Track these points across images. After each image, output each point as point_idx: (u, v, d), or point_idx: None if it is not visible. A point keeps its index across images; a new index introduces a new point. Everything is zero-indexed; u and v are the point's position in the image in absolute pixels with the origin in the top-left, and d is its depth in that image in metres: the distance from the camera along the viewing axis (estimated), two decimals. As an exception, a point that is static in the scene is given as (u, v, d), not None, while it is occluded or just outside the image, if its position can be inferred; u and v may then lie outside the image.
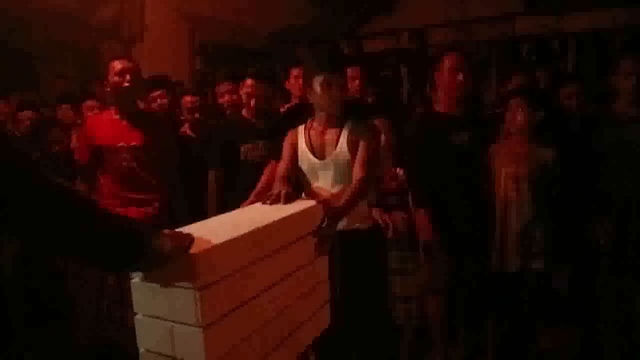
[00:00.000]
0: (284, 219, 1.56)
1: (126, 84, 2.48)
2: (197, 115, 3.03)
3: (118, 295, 2.58)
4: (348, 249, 2.17)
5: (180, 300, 1.23)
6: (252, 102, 2.72)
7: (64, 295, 3.46)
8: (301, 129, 2.28)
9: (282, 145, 2.29)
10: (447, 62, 2.53)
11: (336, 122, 2.20)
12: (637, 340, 2.34)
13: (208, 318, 1.23)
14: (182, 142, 3.04)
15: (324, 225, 1.74)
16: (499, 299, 2.55)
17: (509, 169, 2.47)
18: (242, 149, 2.75)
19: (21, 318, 3.57)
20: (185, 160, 2.86)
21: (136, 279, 1.30)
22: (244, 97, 2.75)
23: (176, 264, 1.21)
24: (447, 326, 2.65)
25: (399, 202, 2.65)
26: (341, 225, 2.18)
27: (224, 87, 3.11)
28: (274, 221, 1.51)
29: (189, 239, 1.25)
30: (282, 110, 3.13)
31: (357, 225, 2.23)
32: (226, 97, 3.06)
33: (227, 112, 3.08)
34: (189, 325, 1.23)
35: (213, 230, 1.38)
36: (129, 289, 1.32)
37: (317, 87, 2.15)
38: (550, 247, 2.43)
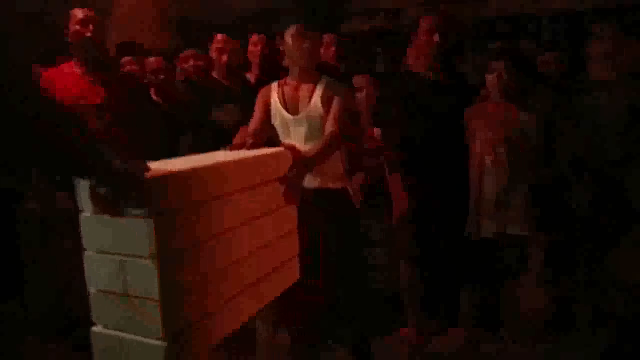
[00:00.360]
0: (247, 158, 1.47)
1: (88, 34, 2.27)
2: (162, 76, 2.85)
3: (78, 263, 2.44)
4: (320, 208, 2.09)
5: (133, 231, 1.13)
6: (224, 58, 2.60)
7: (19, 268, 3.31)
8: (274, 85, 2.20)
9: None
10: (423, 24, 2.46)
11: (310, 77, 2.14)
12: (609, 303, 2.32)
13: (163, 249, 1.12)
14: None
15: (292, 173, 1.65)
16: (474, 265, 2.50)
17: (486, 132, 2.42)
18: (213, 112, 2.64)
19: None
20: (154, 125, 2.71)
21: (86, 212, 1.19)
22: (214, 54, 2.64)
23: (129, 191, 1.10)
24: (422, 294, 2.59)
25: (375, 164, 2.58)
26: (314, 184, 2.11)
27: (188, 52, 2.97)
28: (236, 159, 1.42)
29: (144, 165, 1.15)
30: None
31: (330, 185, 2.15)
32: (191, 62, 2.91)
33: (194, 76, 2.94)
34: (142, 257, 1.13)
35: (172, 164, 1.28)
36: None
37: (289, 39, 2.09)
38: (528, 213, 2.39)
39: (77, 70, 2.32)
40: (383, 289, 2.73)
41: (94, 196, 1.14)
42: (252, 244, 1.46)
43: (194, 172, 1.24)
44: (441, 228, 2.49)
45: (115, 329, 1.20)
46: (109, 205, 1.13)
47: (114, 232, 1.16)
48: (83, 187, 1.16)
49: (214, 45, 2.62)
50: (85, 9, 2.29)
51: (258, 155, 1.53)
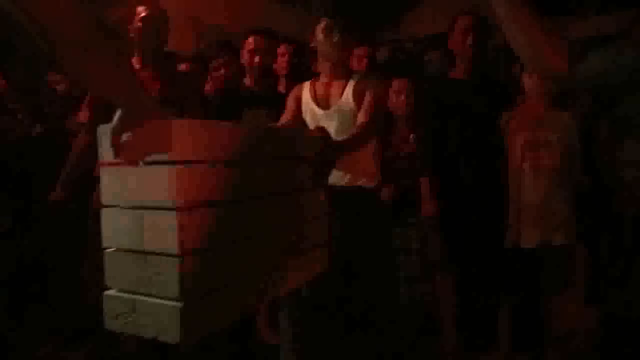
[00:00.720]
0: (276, 129, 1.41)
1: (149, 31, 2.33)
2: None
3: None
4: (349, 206, 2.00)
5: (154, 180, 1.06)
6: (256, 60, 2.59)
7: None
8: (307, 82, 2.18)
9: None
10: (459, 23, 2.42)
11: (342, 73, 2.10)
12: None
13: (184, 198, 1.05)
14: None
15: (321, 155, 1.57)
16: (515, 277, 2.34)
17: (525, 136, 2.31)
18: (243, 117, 2.62)
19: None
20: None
21: (106, 163, 1.14)
22: (246, 58, 2.63)
23: (148, 135, 1.05)
24: (457, 309, 2.43)
25: (409, 168, 2.48)
26: (344, 180, 2.03)
27: (219, 61, 2.98)
28: (262, 128, 1.36)
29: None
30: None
31: (361, 182, 2.06)
32: (222, 70, 2.92)
33: (224, 85, 2.94)
34: (162, 209, 1.05)
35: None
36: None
37: (320, 33, 2.06)
38: (573, 220, 2.24)
39: (137, 65, 2.38)
40: (418, 302, 2.57)
41: (116, 141, 1.08)
42: (279, 219, 1.38)
43: (224, 128, 1.18)
44: (476, 237, 2.35)
45: (129, 291, 1.12)
46: (130, 151, 1.07)
47: (133, 183, 1.09)
48: (104, 133, 1.11)
49: (246, 48, 2.61)
50: (148, 7, 2.36)
51: (290, 129, 1.47)
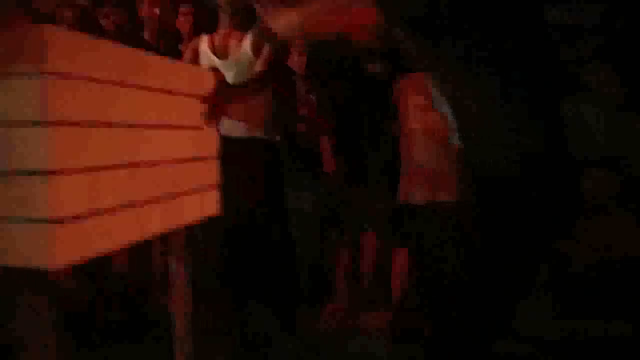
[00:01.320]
0: (161, 59, 1.37)
1: None
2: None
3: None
4: (242, 156, 1.99)
5: (22, 91, 0.99)
6: (156, 11, 2.48)
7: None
8: (205, 35, 2.15)
9: None
10: None
11: (241, 26, 2.09)
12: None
13: (57, 112, 0.99)
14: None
15: (214, 92, 1.55)
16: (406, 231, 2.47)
17: (417, 100, 2.43)
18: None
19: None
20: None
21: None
22: (146, 10, 2.52)
23: (19, 43, 0.97)
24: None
25: (309, 129, 2.52)
26: (238, 131, 2.03)
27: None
28: (147, 55, 1.31)
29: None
30: None
31: (255, 133, 2.07)
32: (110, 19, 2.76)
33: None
34: (31, 124, 0.99)
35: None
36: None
37: None
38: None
39: None
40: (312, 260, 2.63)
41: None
42: (162, 152, 1.34)
43: (102, 43, 1.12)
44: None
45: (-5, 215, 1.04)
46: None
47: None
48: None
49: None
50: None
51: (180, 64, 1.43)
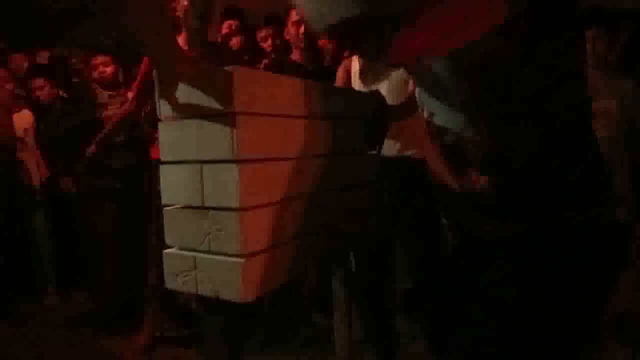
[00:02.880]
0: (326, 84, 1.36)
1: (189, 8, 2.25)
2: (245, 57, 2.86)
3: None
4: (398, 176, 1.95)
5: (212, 132, 1.03)
6: (302, 29, 2.51)
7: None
8: (357, 56, 2.13)
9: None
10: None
11: None
12: None
13: (245, 150, 1.02)
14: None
15: (376, 115, 1.52)
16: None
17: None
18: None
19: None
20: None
21: (165, 118, 1.12)
22: (292, 29, 2.57)
23: (208, 85, 1.02)
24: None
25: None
26: (394, 150, 1.98)
27: (265, 32, 2.94)
28: (316, 83, 1.32)
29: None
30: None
31: (410, 151, 2.01)
32: (269, 41, 2.89)
33: (272, 56, 2.91)
34: (222, 162, 1.03)
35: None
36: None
37: None
38: (631, 195, 2.13)
39: (185, 47, 2.34)
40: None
41: (174, 95, 1.06)
42: (335, 180, 1.34)
43: (286, 81, 1.14)
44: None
45: (189, 249, 1.10)
46: (189, 104, 1.05)
47: (192, 137, 1.07)
48: (162, 90, 1.09)
49: (292, 19, 2.55)
50: None
51: (345, 89, 1.42)
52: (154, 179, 2.35)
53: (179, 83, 1.05)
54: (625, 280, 2.25)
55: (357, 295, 1.97)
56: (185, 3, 2.29)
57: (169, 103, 1.08)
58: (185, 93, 1.06)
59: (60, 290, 3.58)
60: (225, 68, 1.02)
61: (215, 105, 1.02)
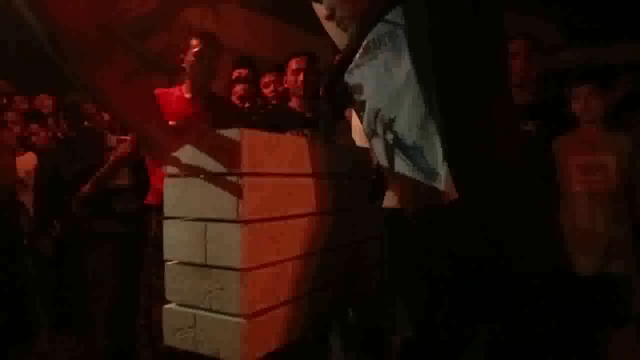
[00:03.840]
0: (330, 146, 1.39)
1: (201, 62, 2.33)
2: (246, 105, 2.91)
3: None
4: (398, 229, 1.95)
5: (217, 191, 1.05)
6: (301, 77, 2.56)
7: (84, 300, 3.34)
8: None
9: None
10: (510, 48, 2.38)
11: None
12: None
13: (250, 211, 1.03)
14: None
15: (379, 172, 1.54)
16: (563, 305, 2.22)
17: (578, 159, 2.23)
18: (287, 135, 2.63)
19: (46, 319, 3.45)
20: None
21: (170, 176, 1.14)
22: (290, 79, 2.61)
23: (216, 149, 1.04)
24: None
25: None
26: (393, 202, 1.99)
27: (268, 78, 3.01)
28: (317, 145, 1.34)
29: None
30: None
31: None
32: (271, 87, 2.95)
33: (273, 102, 2.96)
34: (226, 221, 1.04)
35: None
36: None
37: None
38: (630, 249, 2.13)
39: (187, 95, 2.39)
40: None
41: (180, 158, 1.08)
42: (336, 236, 1.35)
43: (282, 139, 1.17)
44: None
45: (190, 306, 1.10)
46: (195, 166, 1.07)
47: (197, 195, 1.09)
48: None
49: (292, 66, 2.60)
50: (204, 41, 2.37)
51: (346, 145, 1.45)
52: (147, 225, 2.37)
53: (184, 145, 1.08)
54: (627, 336, 2.23)
55: (356, 348, 1.95)
56: (192, 59, 2.35)
57: (173, 166, 1.11)
58: (190, 153, 1.08)
59: (52, 332, 3.51)
60: (232, 130, 1.04)
61: (221, 165, 1.04)
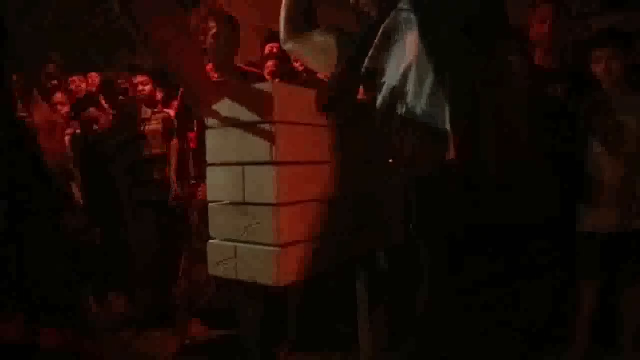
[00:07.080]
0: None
1: (220, 45, 2.51)
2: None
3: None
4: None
5: (253, 138, 1.20)
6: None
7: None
8: None
9: None
10: (536, 15, 2.44)
11: None
12: None
13: (282, 154, 1.18)
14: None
15: None
16: (590, 263, 2.30)
17: (601, 120, 2.29)
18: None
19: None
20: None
21: (212, 126, 1.29)
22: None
23: (251, 101, 1.19)
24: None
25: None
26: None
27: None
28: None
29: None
30: None
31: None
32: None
33: (304, 76, 3.10)
34: (262, 164, 1.19)
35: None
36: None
37: None
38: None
39: (212, 73, 2.55)
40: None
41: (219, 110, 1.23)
42: (361, 186, 1.48)
43: (306, 91, 1.30)
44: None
45: (230, 240, 1.26)
46: (233, 117, 1.22)
47: (235, 143, 1.23)
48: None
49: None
50: (220, 23, 2.54)
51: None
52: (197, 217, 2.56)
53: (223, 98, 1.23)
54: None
55: (383, 300, 2.07)
56: (212, 41, 2.52)
57: (213, 118, 1.26)
58: (228, 106, 1.23)
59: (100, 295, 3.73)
60: (264, 84, 1.19)
61: (256, 115, 1.19)
